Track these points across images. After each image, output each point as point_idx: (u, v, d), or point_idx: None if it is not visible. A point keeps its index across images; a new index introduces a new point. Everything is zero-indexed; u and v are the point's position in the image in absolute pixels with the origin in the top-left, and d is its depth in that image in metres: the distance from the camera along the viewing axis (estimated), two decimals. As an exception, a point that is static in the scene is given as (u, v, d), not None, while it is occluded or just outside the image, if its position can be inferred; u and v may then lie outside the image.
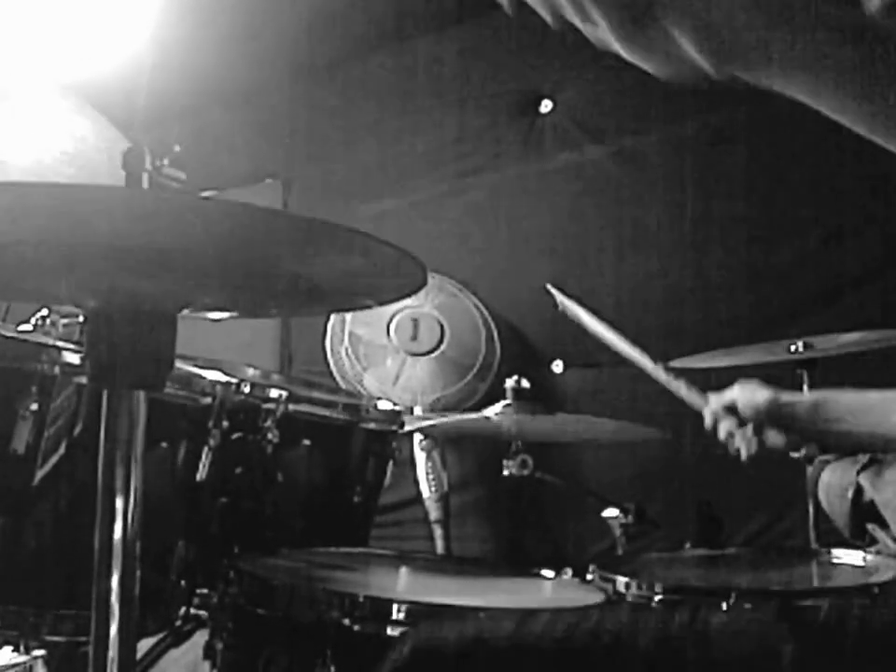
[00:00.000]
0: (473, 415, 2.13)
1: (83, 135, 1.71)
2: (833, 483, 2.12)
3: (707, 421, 1.58)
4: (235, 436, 1.68)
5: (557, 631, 1.10)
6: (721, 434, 1.56)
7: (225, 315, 1.19)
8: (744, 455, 1.54)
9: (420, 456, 3.17)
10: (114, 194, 0.86)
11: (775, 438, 1.51)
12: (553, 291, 1.76)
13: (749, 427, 1.51)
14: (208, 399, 1.64)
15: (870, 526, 2.08)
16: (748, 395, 1.51)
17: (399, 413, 2.03)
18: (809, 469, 2.19)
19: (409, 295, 1.09)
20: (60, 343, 1.57)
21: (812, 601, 1.40)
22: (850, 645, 1.07)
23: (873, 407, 1.44)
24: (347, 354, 3.33)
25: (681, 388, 1.62)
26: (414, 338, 3.29)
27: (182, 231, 0.90)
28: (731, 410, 1.53)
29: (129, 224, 0.87)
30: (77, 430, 1.55)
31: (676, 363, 2.06)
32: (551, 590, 1.61)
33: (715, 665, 1.05)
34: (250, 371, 2.05)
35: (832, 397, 1.49)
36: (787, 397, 1.50)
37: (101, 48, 2.22)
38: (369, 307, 1.20)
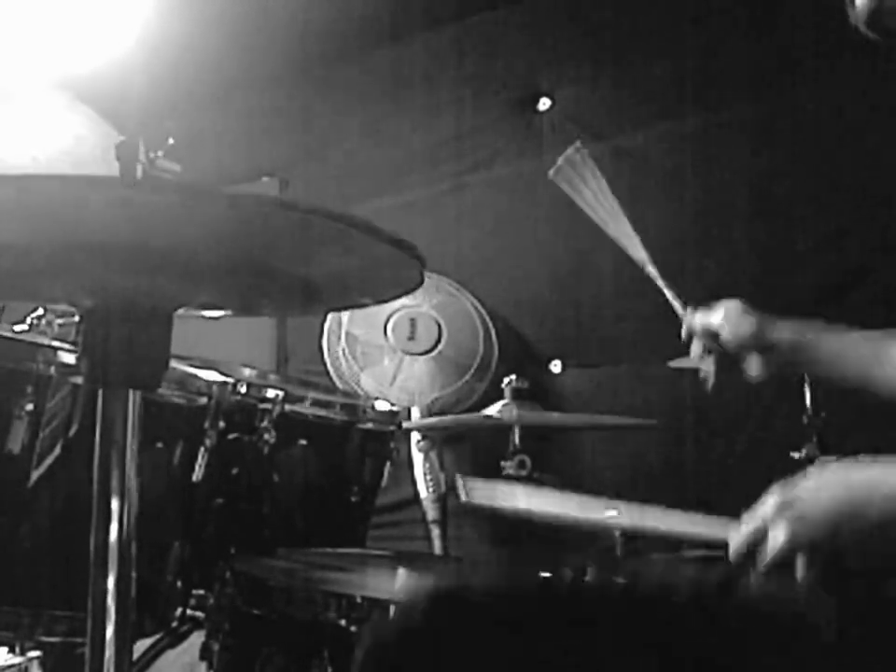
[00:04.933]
0: (473, 415, 2.12)
1: (79, 133, 1.70)
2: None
3: (684, 335, 1.57)
4: (231, 436, 1.68)
5: None
6: (694, 351, 1.55)
7: (221, 313, 1.18)
8: (710, 382, 1.53)
9: (417, 457, 3.16)
10: (108, 189, 0.85)
11: (753, 367, 1.50)
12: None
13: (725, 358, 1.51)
14: (204, 400, 1.64)
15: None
16: (733, 323, 1.50)
17: (396, 413, 2.02)
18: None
19: (407, 293, 1.09)
20: (55, 344, 1.57)
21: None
22: None
23: (859, 357, 1.43)
24: (344, 353, 3.32)
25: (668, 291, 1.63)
26: (412, 337, 3.28)
27: (177, 228, 0.89)
28: (713, 334, 1.52)
29: (123, 221, 0.86)
30: (73, 431, 1.55)
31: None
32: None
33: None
34: (246, 371, 2.04)
35: (816, 340, 1.47)
36: (773, 331, 1.48)
37: (95, 44, 2.22)
38: (366, 305, 1.19)
